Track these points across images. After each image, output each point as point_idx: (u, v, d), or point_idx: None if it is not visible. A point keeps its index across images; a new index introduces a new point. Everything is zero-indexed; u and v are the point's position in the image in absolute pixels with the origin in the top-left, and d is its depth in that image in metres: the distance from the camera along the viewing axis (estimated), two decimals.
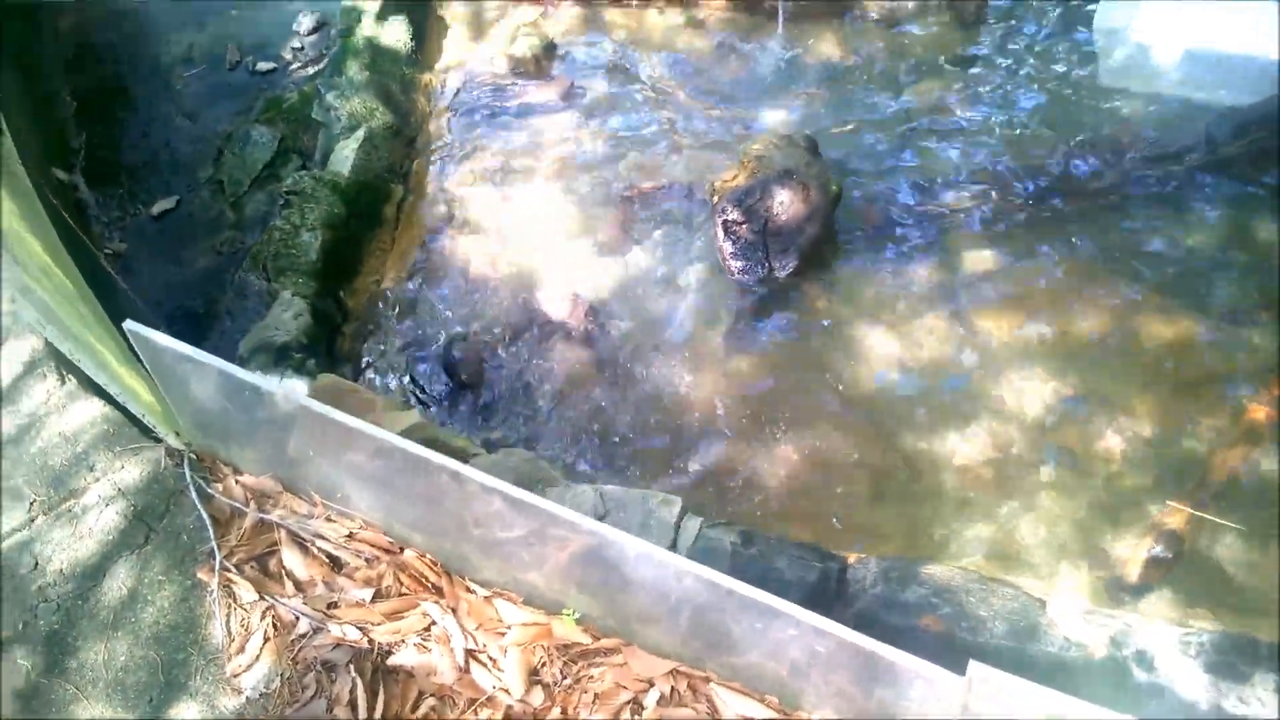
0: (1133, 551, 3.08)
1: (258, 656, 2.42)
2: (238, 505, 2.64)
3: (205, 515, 2.61)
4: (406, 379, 3.88)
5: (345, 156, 4.40)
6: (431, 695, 2.35)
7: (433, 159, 4.79)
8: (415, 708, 2.34)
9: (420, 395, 3.83)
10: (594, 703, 2.31)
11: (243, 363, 3.55)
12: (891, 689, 1.94)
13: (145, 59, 5.43)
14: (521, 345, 3.93)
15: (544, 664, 2.37)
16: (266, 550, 2.59)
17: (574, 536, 2.14)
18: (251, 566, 2.56)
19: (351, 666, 2.37)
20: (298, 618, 2.46)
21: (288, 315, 3.77)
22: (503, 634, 2.42)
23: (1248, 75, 4.19)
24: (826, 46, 5.00)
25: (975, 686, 1.77)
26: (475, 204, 4.52)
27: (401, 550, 2.57)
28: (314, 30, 5.42)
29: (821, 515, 3.31)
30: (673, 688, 2.30)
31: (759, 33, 5.14)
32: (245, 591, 2.50)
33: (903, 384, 3.63)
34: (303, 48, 5.35)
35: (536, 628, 2.42)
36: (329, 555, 2.57)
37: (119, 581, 2.55)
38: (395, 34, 5.06)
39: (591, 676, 2.36)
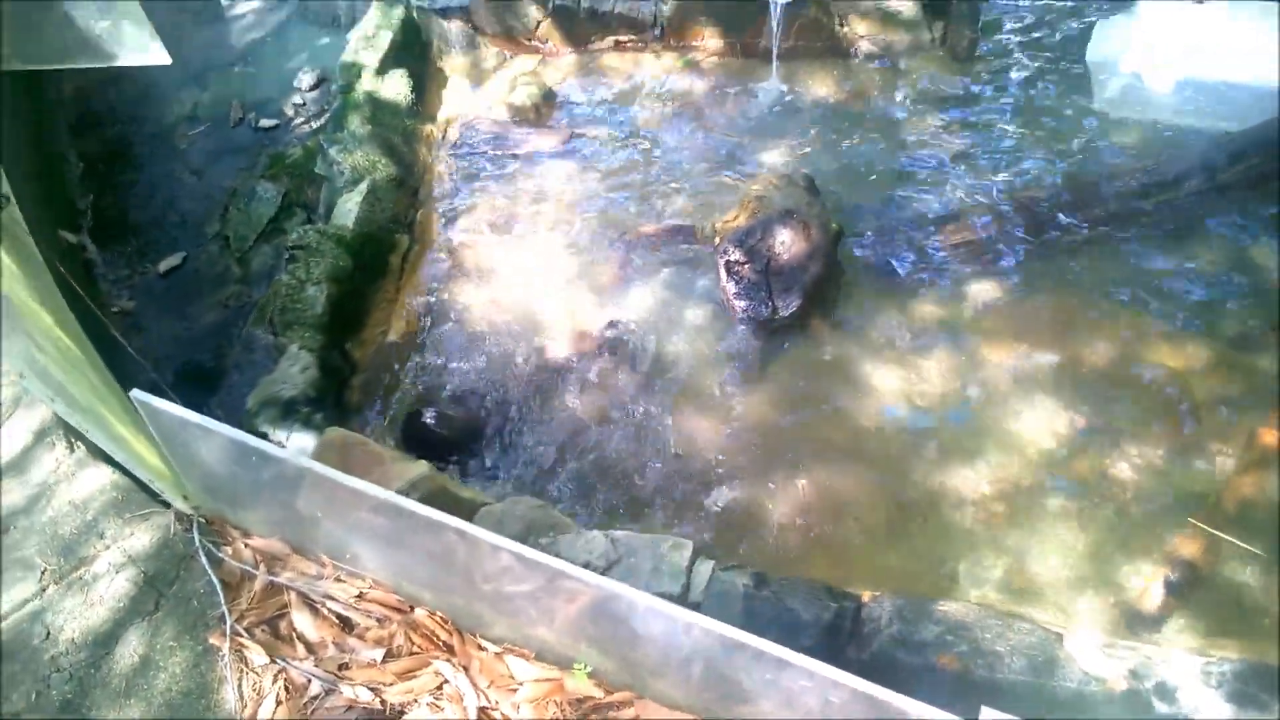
0: (1149, 581, 3.05)
1: None
2: (247, 568, 2.64)
3: (215, 579, 2.61)
4: (415, 429, 3.88)
5: (349, 209, 4.44)
6: None
7: (436, 208, 4.83)
8: None
9: (429, 445, 3.82)
10: None
11: (251, 417, 3.56)
12: None
13: (149, 119, 5.50)
14: (528, 391, 3.94)
15: (557, 719, 2.36)
16: (277, 613, 2.59)
17: (583, 590, 2.13)
18: (262, 629, 2.56)
19: None
20: (310, 680, 2.45)
21: (295, 369, 3.79)
22: (515, 690, 2.41)
23: (1242, 101, 4.20)
24: (821, 86, 5.04)
25: None
26: (479, 252, 4.55)
27: (412, 609, 2.56)
28: (315, 86, 5.49)
29: (834, 553, 3.30)
30: None
31: (754, 74, 5.19)
32: (257, 655, 2.49)
33: (911, 419, 3.62)
34: (305, 103, 5.42)
35: (548, 683, 2.40)
36: (339, 616, 2.56)
37: (131, 649, 2.55)
38: (395, 87, 5.11)
39: None
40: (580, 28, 5.44)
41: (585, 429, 3.78)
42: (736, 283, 3.99)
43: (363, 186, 4.54)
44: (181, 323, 4.40)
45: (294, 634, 2.55)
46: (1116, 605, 3.03)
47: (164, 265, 4.65)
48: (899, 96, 4.91)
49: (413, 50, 5.41)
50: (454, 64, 5.62)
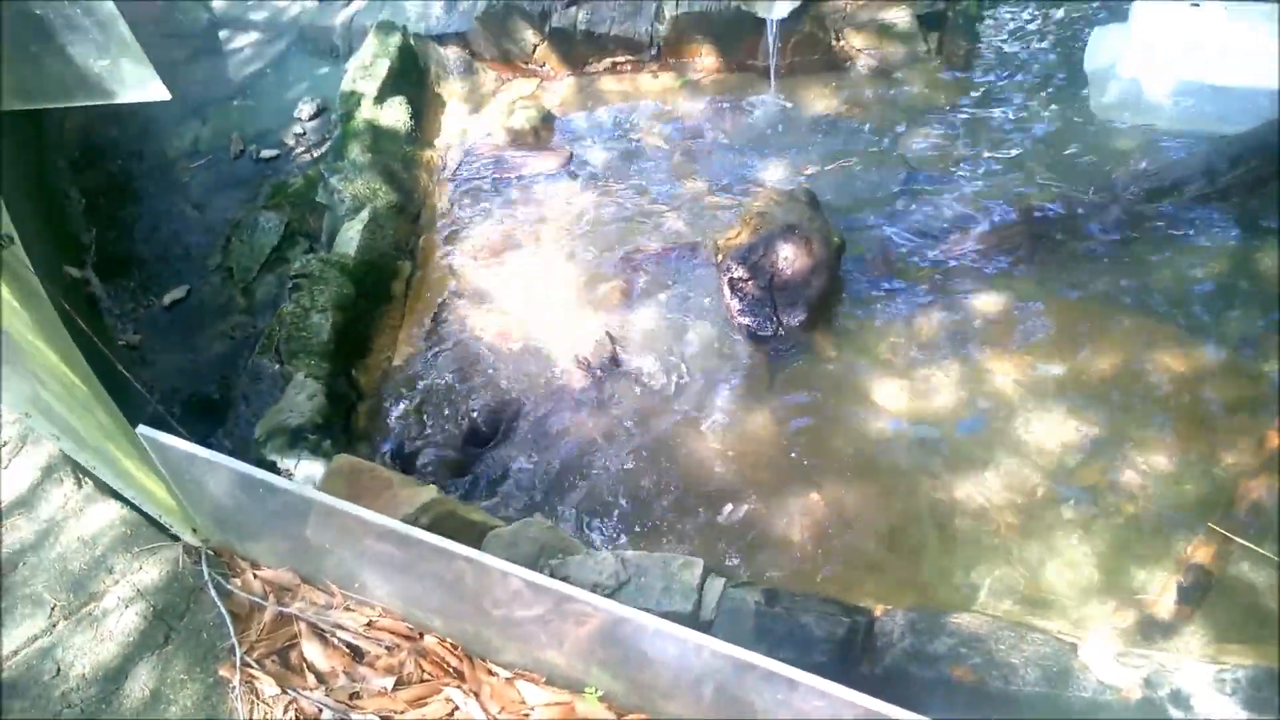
0: (1162, 588, 3.04)
1: None
2: (256, 599, 2.64)
3: (224, 611, 2.61)
4: (422, 454, 3.89)
5: (351, 237, 4.45)
6: None
7: (438, 234, 4.85)
8: None
9: (436, 469, 3.82)
10: None
11: (259, 446, 3.57)
12: None
13: (151, 153, 5.54)
14: (534, 411, 3.94)
15: None
16: (287, 643, 2.58)
17: (592, 615, 2.13)
18: (273, 660, 2.56)
19: None
20: (321, 710, 2.45)
21: (302, 397, 3.79)
22: (526, 715, 2.40)
23: (1240, 105, 4.20)
24: (820, 100, 5.06)
25: None
26: (482, 275, 4.56)
27: (421, 636, 2.56)
28: (315, 116, 5.52)
29: (845, 567, 3.29)
30: None
31: (752, 91, 5.21)
32: (267, 686, 2.49)
33: (919, 431, 3.62)
34: (305, 133, 5.45)
35: (560, 707, 2.40)
36: (349, 645, 2.56)
37: (141, 683, 2.55)
38: (394, 114, 5.14)
39: None
40: (577, 50, 5.47)
41: (590, 448, 3.78)
42: (740, 299, 4.00)
43: (364, 214, 4.56)
44: (187, 354, 4.42)
45: (304, 664, 2.55)
46: (1130, 613, 3.01)
47: (168, 298, 4.67)
48: (897, 108, 4.92)
49: (411, 77, 5.44)
50: (452, 89, 5.65)
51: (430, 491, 3.15)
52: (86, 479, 2.95)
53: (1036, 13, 5.18)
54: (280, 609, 2.62)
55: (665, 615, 2.71)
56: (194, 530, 2.77)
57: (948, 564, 3.23)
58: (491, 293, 4.47)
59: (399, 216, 4.76)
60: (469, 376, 4.12)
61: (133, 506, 2.81)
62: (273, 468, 3.44)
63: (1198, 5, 4.45)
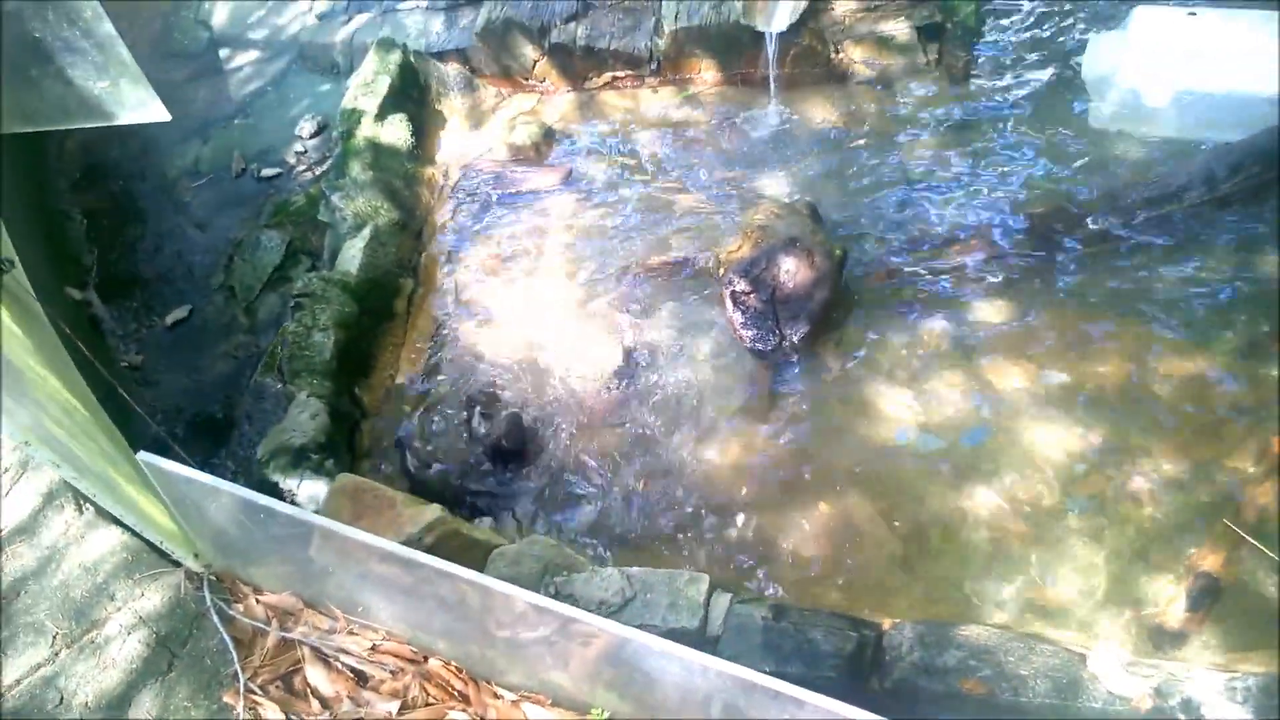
0: (1170, 597, 3.02)
1: None
2: (259, 625, 2.63)
3: (227, 637, 2.60)
4: (426, 472, 3.88)
5: (353, 255, 4.45)
6: None
7: (440, 251, 4.84)
8: None
9: (440, 487, 3.82)
10: None
11: (262, 466, 3.56)
12: None
13: (152, 173, 5.55)
14: (537, 427, 3.93)
15: None
16: (290, 669, 2.57)
17: (596, 636, 2.11)
18: (276, 686, 2.54)
19: None
20: None
21: (305, 416, 3.79)
22: None
23: (1239, 111, 4.18)
24: (820, 112, 5.05)
25: None
26: (484, 291, 4.56)
27: (426, 659, 2.55)
28: (316, 134, 5.53)
29: (852, 580, 3.27)
30: None
31: (753, 104, 5.20)
32: (271, 712, 2.48)
33: (924, 441, 3.60)
34: (306, 151, 5.45)
35: None
36: (353, 669, 2.55)
37: (145, 711, 2.53)
38: (395, 132, 5.14)
39: None
40: (577, 65, 5.46)
41: (594, 464, 3.77)
42: (743, 313, 3.99)
43: (366, 232, 4.56)
44: (190, 375, 4.42)
45: (308, 689, 2.53)
46: (1139, 622, 3.00)
47: (171, 318, 4.68)
48: (898, 119, 4.91)
49: (411, 94, 5.44)
50: (452, 106, 5.65)
51: (434, 510, 3.14)
52: (87, 505, 2.94)
53: (1034, 23, 5.17)
54: (283, 634, 2.61)
55: (672, 631, 2.71)
56: (196, 555, 2.76)
57: (956, 575, 3.22)
58: (494, 308, 4.47)
59: (401, 234, 4.76)
60: (471, 393, 4.10)
61: (134, 532, 2.80)
62: (276, 488, 3.43)
63: (1194, 13, 4.44)
